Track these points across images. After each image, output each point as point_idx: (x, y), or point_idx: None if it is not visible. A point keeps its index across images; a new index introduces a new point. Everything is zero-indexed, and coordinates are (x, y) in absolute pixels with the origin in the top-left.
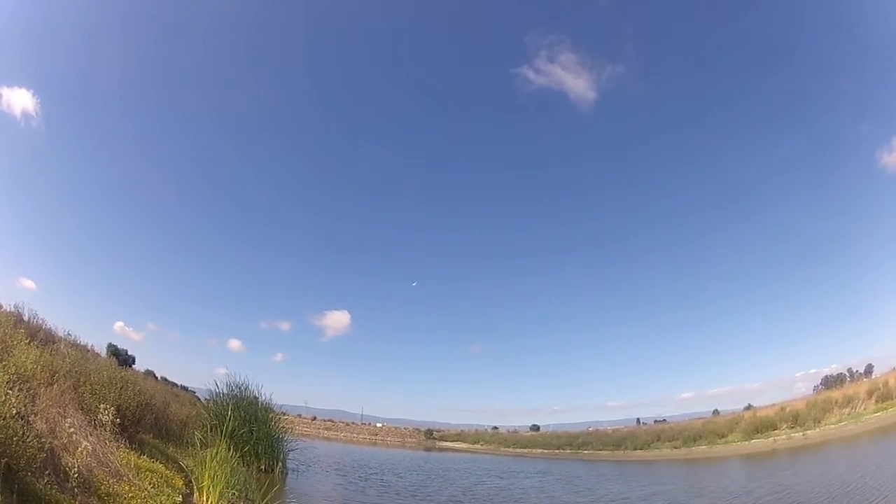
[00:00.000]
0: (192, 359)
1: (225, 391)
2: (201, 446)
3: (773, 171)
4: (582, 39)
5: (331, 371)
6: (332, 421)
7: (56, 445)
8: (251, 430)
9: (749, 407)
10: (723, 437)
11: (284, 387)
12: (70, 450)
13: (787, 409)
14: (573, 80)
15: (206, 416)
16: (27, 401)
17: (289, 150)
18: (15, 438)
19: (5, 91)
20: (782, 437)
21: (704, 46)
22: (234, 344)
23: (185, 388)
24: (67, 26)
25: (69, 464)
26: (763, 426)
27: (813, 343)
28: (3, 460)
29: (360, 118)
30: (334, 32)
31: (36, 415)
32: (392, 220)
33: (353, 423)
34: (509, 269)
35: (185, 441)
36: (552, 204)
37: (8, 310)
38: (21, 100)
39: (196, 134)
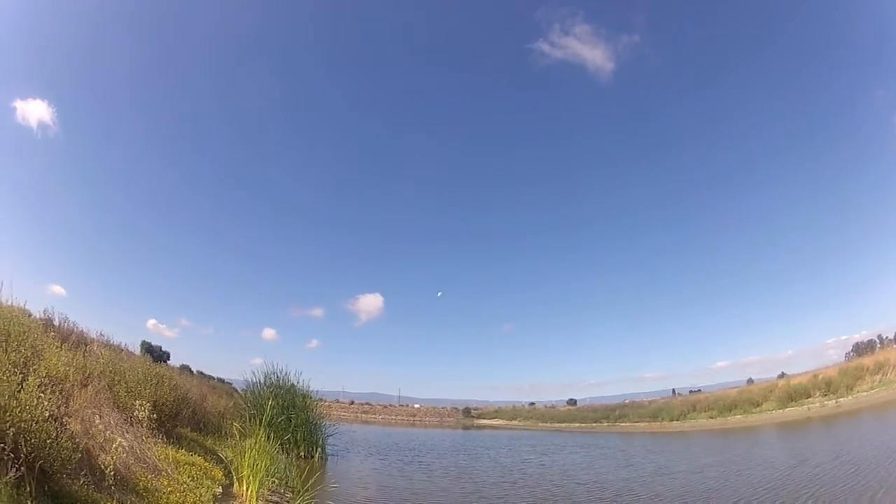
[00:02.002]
0: (227, 351)
1: (261, 380)
2: (240, 437)
3: (790, 137)
4: (595, 10)
5: (366, 355)
6: (370, 404)
7: (91, 445)
8: (289, 418)
9: (782, 375)
10: (758, 405)
11: (320, 373)
12: (106, 448)
13: (820, 377)
14: (589, 51)
15: (244, 406)
16: (60, 403)
17: (310, 140)
18: (48, 441)
19: (19, 104)
20: (815, 405)
21: (715, 12)
22: (268, 333)
23: (221, 381)
24: (75, 30)
25: (105, 462)
26: (796, 394)
27: (843, 310)
28: (37, 464)
29: (379, 103)
30: (346, 17)
31: (70, 416)
32: (418, 202)
33: (390, 405)
34: (537, 246)
35: (223, 432)
36: (577, 177)
37: (37, 316)
38: (36, 110)
39: (214, 128)
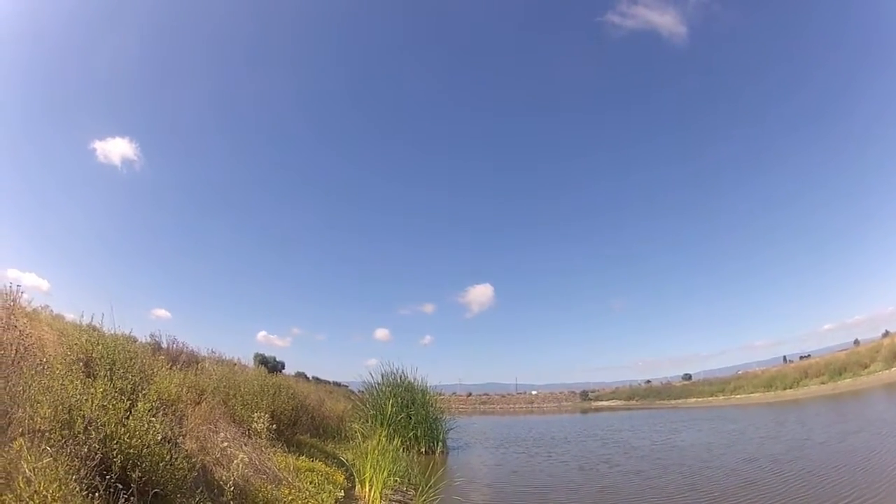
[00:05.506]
0: (341, 355)
1: (379, 381)
2: (361, 438)
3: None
4: None
5: (480, 346)
6: (488, 395)
7: (208, 462)
8: (409, 415)
9: (886, 333)
10: (866, 367)
11: (436, 368)
12: (223, 463)
13: None
14: (660, 17)
15: (363, 407)
16: (174, 424)
17: (400, 137)
18: (161, 464)
19: (98, 144)
20: None
21: None
22: (381, 333)
23: (337, 384)
24: (144, 65)
25: (223, 477)
26: None
27: None
28: (149, 489)
29: (464, 92)
30: (429, 8)
31: (185, 436)
32: (518, 188)
33: (508, 394)
34: (637, 220)
35: (343, 435)
36: (670, 141)
37: (144, 341)
38: (118, 148)
39: (301, 134)
